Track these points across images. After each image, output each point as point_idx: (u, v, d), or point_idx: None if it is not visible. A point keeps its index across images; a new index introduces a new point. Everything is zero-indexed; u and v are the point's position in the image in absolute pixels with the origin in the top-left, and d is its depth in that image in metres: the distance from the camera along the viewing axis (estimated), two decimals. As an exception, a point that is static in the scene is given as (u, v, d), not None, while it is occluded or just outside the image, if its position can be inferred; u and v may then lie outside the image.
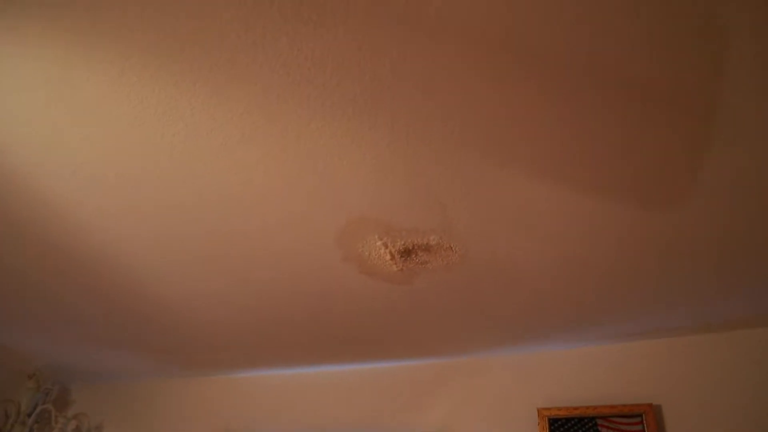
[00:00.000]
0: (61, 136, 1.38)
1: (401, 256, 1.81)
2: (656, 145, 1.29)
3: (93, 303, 2.43)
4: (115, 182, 1.54)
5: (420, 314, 2.30)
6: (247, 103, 1.23)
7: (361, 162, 1.37)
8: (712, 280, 1.91)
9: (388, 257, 1.82)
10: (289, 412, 3.22)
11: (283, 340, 2.72)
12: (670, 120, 1.21)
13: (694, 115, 1.20)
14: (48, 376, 3.50)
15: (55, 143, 1.40)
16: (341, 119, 1.24)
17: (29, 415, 3.43)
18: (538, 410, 2.62)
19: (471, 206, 1.54)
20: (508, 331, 2.52)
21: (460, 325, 2.41)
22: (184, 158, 1.42)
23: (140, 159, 1.43)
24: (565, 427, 2.54)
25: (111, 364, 3.35)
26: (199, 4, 1.01)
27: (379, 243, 1.74)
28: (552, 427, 2.56)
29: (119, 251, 1.92)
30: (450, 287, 2.04)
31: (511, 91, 1.15)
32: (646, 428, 2.36)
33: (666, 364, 2.52)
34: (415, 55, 1.08)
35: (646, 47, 1.03)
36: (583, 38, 1.02)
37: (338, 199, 1.53)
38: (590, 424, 2.50)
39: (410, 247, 1.76)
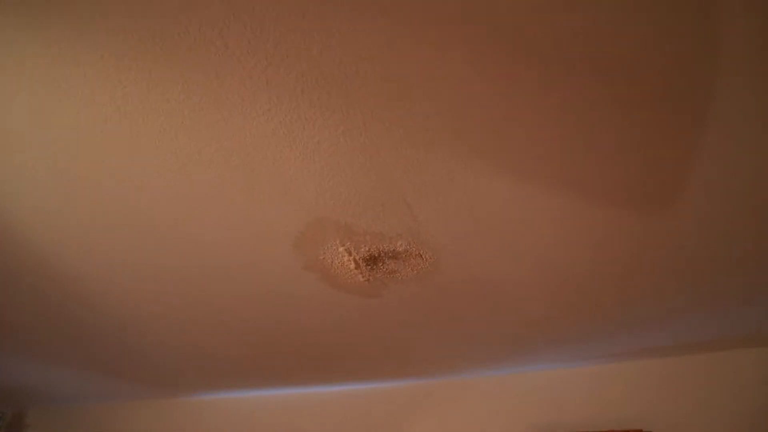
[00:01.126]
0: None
1: (367, 265, 1.67)
2: (648, 140, 1.17)
3: (39, 316, 2.24)
4: (44, 177, 1.39)
5: (392, 330, 2.15)
6: (183, 83, 1.09)
7: (315, 152, 1.24)
8: (707, 294, 1.78)
9: (352, 265, 1.67)
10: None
11: (247, 360, 2.54)
12: (664, 113, 1.10)
13: (688, 105, 1.08)
14: (1, 399, 3.27)
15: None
16: (289, 101, 1.11)
17: (-23, 442, 3.20)
18: (520, 437, 2.45)
19: (440, 207, 1.40)
20: (487, 351, 2.37)
21: (435, 343, 2.26)
22: (118, 149, 1.27)
23: (66, 150, 1.28)
24: (549, 455, 2.38)
25: (69, 386, 3.13)
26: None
27: (341, 249, 1.59)
28: (534, 455, 2.39)
29: (58, 256, 1.76)
30: (422, 300, 1.90)
31: (490, 74, 1.03)
32: (634, 456, 2.20)
33: (656, 386, 2.37)
34: (369, 25, 0.95)
35: (641, 32, 0.92)
36: (578, 22, 0.91)
37: (293, 197, 1.39)
38: (575, 452, 2.33)
39: (376, 254, 1.61)
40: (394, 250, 1.59)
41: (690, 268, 1.65)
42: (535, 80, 1.05)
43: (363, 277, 1.74)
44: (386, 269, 1.70)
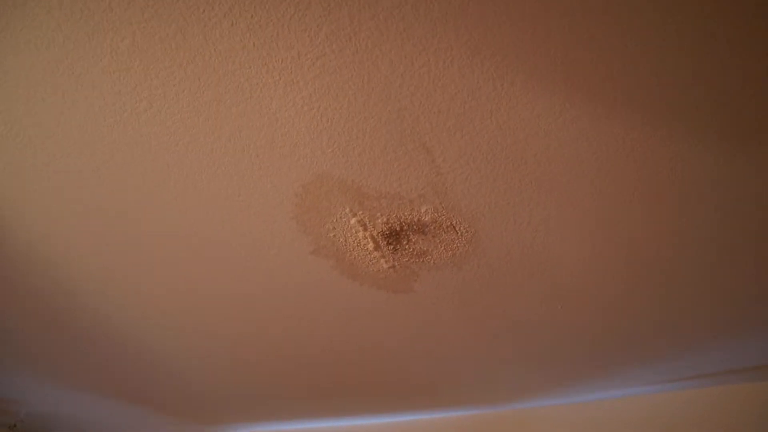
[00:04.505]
0: None
1: (388, 243, 1.36)
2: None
3: (54, 335, 2.07)
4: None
5: (430, 341, 1.79)
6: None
7: (296, 71, 0.97)
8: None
9: (371, 245, 1.37)
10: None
11: (258, 387, 2.25)
12: None
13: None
14: (31, 427, 3.13)
15: None
16: (257, 6, 0.86)
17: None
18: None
19: (467, 150, 1.09)
20: (557, 369, 1.95)
21: (487, 358, 1.87)
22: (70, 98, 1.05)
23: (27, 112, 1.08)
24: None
25: (96, 415, 2.95)
26: None
27: (353, 221, 1.30)
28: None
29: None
30: (464, 296, 1.55)
31: None
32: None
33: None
34: None
35: None
36: None
37: (283, 145, 1.12)
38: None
39: (397, 228, 1.31)
40: (419, 219, 1.28)
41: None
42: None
43: (387, 262, 1.43)
44: (413, 250, 1.38)
